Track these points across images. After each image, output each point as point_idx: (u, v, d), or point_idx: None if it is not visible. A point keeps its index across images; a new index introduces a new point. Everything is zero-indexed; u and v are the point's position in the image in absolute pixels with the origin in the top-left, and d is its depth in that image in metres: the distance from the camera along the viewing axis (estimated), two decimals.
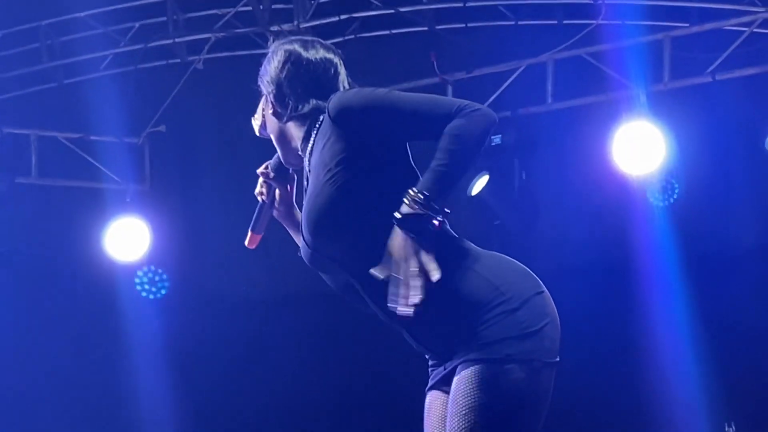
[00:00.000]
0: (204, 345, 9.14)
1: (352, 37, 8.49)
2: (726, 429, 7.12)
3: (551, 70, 8.33)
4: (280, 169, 3.66)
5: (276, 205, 3.71)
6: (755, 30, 8.01)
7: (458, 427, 3.26)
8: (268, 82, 3.59)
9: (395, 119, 3.40)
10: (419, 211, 3.14)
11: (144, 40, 8.81)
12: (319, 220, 3.38)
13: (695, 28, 8.16)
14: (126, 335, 8.97)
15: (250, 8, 8.43)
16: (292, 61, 3.59)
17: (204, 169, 9.07)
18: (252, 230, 3.70)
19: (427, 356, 3.56)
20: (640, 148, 7.99)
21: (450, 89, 8.43)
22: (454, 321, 3.34)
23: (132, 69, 8.88)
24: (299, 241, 3.57)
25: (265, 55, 3.59)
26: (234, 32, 8.62)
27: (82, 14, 8.71)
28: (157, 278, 9.36)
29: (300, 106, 3.52)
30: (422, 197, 3.15)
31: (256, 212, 3.71)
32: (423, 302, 3.20)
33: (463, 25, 8.54)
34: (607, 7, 8.19)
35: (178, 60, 8.86)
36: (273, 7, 8.44)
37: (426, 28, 8.57)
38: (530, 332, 3.30)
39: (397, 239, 3.17)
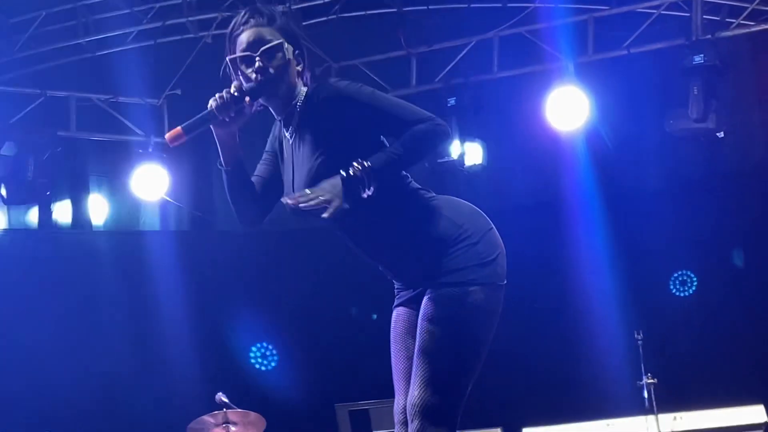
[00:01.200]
0: (216, 270, 9.14)
1: (335, 16, 8.42)
2: (636, 335, 7.03)
3: (497, 45, 8.36)
4: (242, 97, 3.32)
5: (225, 118, 3.30)
6: (663, 12, 8.07)
7: (430, 335, 3.31)
8: (290, 37, 3.45)
9: (375, 114, 3.39)
10: (358, 176, 3.21)
11: (162, 19, 8.75)
12: (320, 179, 3.29)
13: (614, 10, 8.17)
14: (151, 260, 8.93)
15: None
16: (303, 35, 3.55)
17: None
18: (182, 128, 3.31)
19: (396, 282, 3.60)
20: (568, 109, 8.00)
21: (414, 60, 8.46)
22: (426, 254, 3.39)
23: (152, 43, 8.81)
24: (226, 157, 3.42)
25: None
26: (237, 12, 8.60)
27: None
28: (267, 353, 9.51)
29: (306, 75, 3.48)
30: (367, 167, 3.23)
31: (198, 117, 3.33)
32: (401, 241, 3.38)
33: (425, 7, 8.43)
34: None
35: (191, 35, 8.77)
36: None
37: (395, 10, 8.46)
38: (488, 261, 3.39)
39: (333, 181, 3.21)
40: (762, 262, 8.41)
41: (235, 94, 3.31)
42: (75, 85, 8.86)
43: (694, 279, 8.75)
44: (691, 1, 7.93)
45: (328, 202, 3.20)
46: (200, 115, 3.31)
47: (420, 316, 3.38)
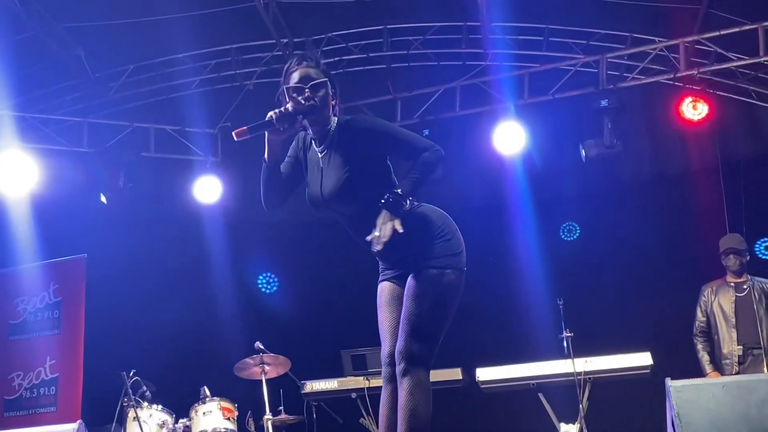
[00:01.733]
0: (255, 252, 9.12)
1: (342, 70, 8.45)
2: (558, 301, 7.02)
3: (459, 92, 8.37)
4: (296, 115, 3.35)
5: (280, 128, 3.32)
6: (578, 68, 8.13)
7: (415, 302, 3.37)
8: (330, 79, 3.48)
9: (394, 142, 3.47)
10: (396, 200, 3.32)
11: (217, 71, 8.81)
12: (344, 190, 3.39)
13: (543, 67, 8.21)
14: (207, 249, 8.92)
15: (280, 53, 8.42)
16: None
17: (253, 146, 8.79)
18: (248, 128, 3.31)
19: (382, 264, 3.63)
20: (509, 138, 8.01)
21: (398, 102, 8.46)
22: (413, 245, 3.45)
23: (210, 89, 8.85)
24: (270, 157, 3.42)
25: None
26: (272, 67, 8.57)
27: (180, 55, 8.67)
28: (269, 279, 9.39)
29: (337, 107, 3.53)
30: (401, 193, 3.34)
31: (260, 122, 3.31)
32: (398, 237, 3.36)
33: (407, 65, 8.51)
34: (492, 54, 8.31)
35: (238, 83, 8.82)
36: (294, 52, 8.28)
37: (385, 66, 8.57)
38: (458, 252, 3.52)
39: (384, 213, 3.32)
40: (648, 250, 8.48)
41: (291, 111, 3.35)
42: (154, 118, 8.85)
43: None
44: (598, 61, 8.00)
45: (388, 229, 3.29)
46: (262, 121, 3.32)
47: (407, 288, 3.44)
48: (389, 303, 3.56)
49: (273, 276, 9.63)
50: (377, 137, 3.44)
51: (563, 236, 8.39)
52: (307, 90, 3.40)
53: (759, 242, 6.60)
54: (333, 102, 3.49)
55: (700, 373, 6.85)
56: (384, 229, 3.28)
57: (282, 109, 3.35)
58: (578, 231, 7.38)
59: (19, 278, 8.43)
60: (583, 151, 7.95)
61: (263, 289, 9.73)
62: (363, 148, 3.42)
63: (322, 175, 3.47)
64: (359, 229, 3.50)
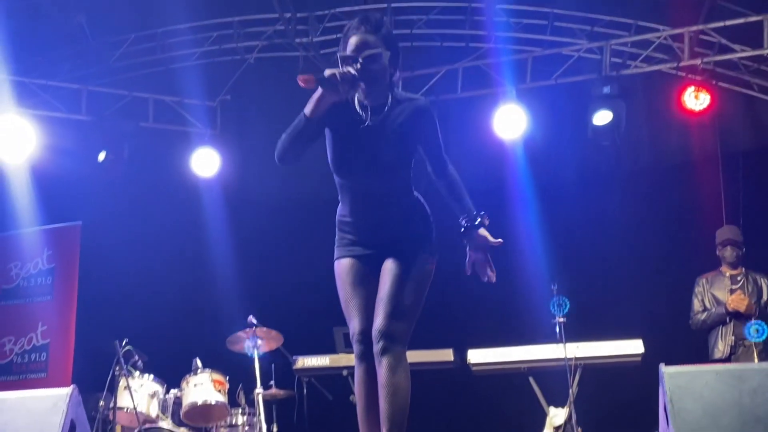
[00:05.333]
0: (252, 228, 9.03)
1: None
2: (552, 286, 7.00)
3: (461, 73, 8.37)
4: (357, 80, 3.18)
5: (339, 88, 3.16)
6: (581, 54, 8.13)
7: (397, 286, 3.36)
8: (391, 47, 3.30)
9: (433, 140, 3.43)
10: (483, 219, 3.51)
11: (218, 44, 8.78)
12: (385, 166, 3.35)
13: (546, 51, 8.22)
14: (205, 222, 8.86)
15: (283, 27, 8.39)
16: (398, 43, 3.42)
17: (252, 121, 8.83)
18: (316, 79, 3.12)
19: (352, 238, 3.52)
20: (510, 122, 8.03)
21: (400, 82, 8.35)
22: (411, 227, 3.48)
23: (211, 61, 8.82)
24: (314, 112, 3.22)
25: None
26: (273, 42, 8.58)
27: (182, 26, 8.62)
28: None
29: (395, 74, 3.38)
30: (478, 214, 3.50)
31: (326, 78, 3.12)
32: (398, 218, 3.43)
33: (409, 44, 8.45)
34: (495, 37, 8.32)
35: (239, 57, 8.77)
36: (297, 27, 8.38)
37: None
38: (436, 240, 3.55)
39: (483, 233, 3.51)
40: (644, 238, 8.49)
41: (355, 75, 3.19)
42: (153, 89, 8.81)
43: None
44: (602, 47, 7.98)
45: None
46: (327, 77, 3.12)
47: (389, 268, 3.41)
48: (360, 281, 3.49)
49: (268, 251, 9.57)
50: (425, 127, 3.38)
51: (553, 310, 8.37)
52: (360, 60, 3.21)
53: (748, 325, 6.63)
54: (392, 70, 3.32)
55: (691, 361, 6.87)
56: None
57: (348, 71, 3.18)
58: (568, 305, 7.43)
59: (13, 243, 8.41)
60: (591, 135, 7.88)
61: (258, 265, 9.64)
62: (416, 128, 3.35)
63: (364, 145, 3.35)
64: (369, 204, 3.47)
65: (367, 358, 3.39)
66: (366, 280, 3.47)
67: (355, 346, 3.44)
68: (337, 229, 3.64)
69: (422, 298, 3.43)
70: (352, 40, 3.27)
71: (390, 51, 3.29)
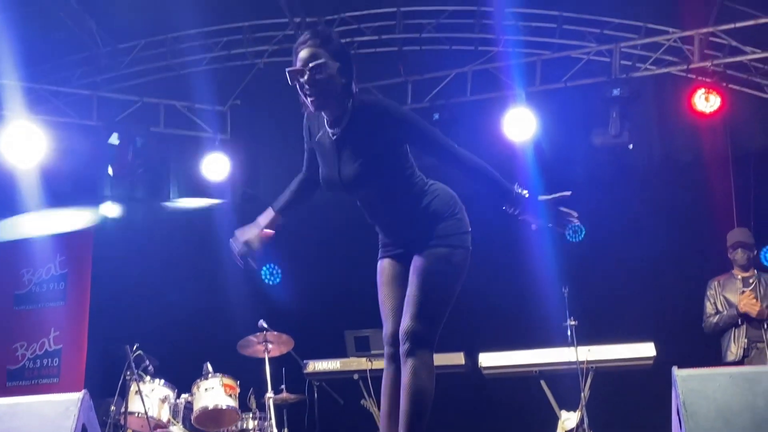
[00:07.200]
0: None
1: (353, 52, 8.33)
2: (563, 289, 7.00)
3: (470, 77, 8.34)
4: (247, 254, 3.71)
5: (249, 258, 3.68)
6: (591, 57, 8.10)
7: (423, 280, 3.32)
8: (340, 58, 3.27)
9: (410, 131, 3.33)
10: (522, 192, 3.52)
11: (228, 49, 8.78)
12: (361, 174, 3.29)
13: (556, 54, 8.20)
14: (214, 227, 8.70)
15: (292, 32, 8.39)
16: (350, 53, 3.40)
17: (262, 125, 8.82)
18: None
19: (386, 240, 3.54)
20: (519, 125, 8.00)
21: (409, 85, 8.42)
22: (425, 223, 3.41)
23: (220, 66, 8.82)
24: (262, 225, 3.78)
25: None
26: (283, 47, 8.56)
27: (191, 32, 8.63)
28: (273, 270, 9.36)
29: (352, 87, 3.31)
30: (516, 191, 3.51)
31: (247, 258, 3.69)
32: (409, 213, 3.37)
33: (419, 48, 8.49)
34: (504, 40, 8.31)
35: (248, 61, 8.78)
36: (306, 21, 8.32)
37: (397, 49, 8.54)
38: (466, 232, 3.48)
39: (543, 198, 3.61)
40: (655, 241, 8.44)
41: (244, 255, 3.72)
42: (164, 94, 8.82)
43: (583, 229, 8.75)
44: (612, 50, 7.95)
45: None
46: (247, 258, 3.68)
47: (414, 266, 3.38)
48: (391, 282, 3.51)
49: (277, 257, 9.58)
50: (393, 127, 3.29)
51: (569, 237, 8.27)
52: (307, 72, 3.22)
53: (765, 249, 6.52)
54: (343, 80, 3.26)
55: (702, 365, 6.83)
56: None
57: (237, 253, 3.67)
58: (583, 231, 7.25)
59: (25, 249, 8.45)
60: (595, 140, 7.90)
61: (267, 276, 9.71)
62: (380, 133, 3.28)
63: (339, 158, 3.35)
64: (372, 209, 3.48)
65: (395, 360, 3.38)
66: (397, 281, 3.47)
67: (385, 348, 3.45)
68: None
69: (449, 293, 3.38)
70: (300, 54, 3.26)
71: (339, 62, 3.26)
